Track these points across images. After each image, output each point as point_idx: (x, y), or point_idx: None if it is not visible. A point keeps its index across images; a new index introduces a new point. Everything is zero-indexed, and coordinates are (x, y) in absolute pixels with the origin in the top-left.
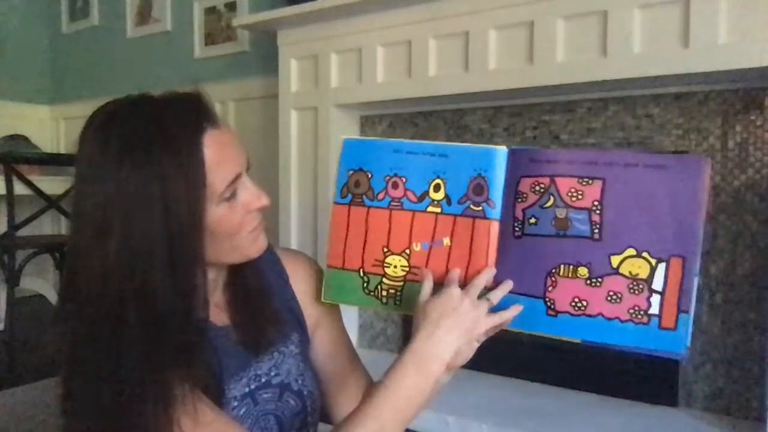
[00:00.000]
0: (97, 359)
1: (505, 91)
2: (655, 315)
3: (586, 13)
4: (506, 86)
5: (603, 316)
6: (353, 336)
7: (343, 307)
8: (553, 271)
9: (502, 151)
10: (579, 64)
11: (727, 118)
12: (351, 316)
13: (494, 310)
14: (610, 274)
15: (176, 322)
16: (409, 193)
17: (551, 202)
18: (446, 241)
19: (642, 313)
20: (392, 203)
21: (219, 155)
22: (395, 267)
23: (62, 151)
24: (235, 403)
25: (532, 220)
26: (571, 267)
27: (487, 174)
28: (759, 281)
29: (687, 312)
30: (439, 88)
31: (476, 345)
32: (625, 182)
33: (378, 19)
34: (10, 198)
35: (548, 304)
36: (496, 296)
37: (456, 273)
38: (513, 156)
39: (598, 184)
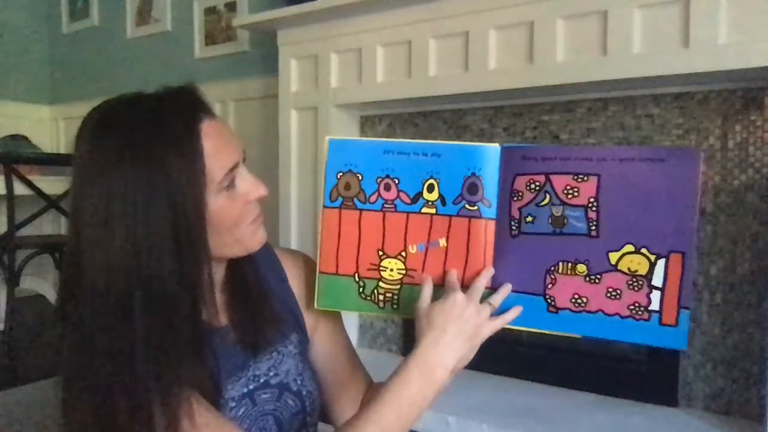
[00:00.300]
0: (102, 356)
1: (505, 91)
2: (655, 311)
3: (586, 13)
4: (506, 86)
5: (603, 312)
6: (353, 336)
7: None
8: (552, 268)
9: (494, 148)
10: (579, 64)
11: (727, 118)
12: (351, 317)
13: (497, 313)
14: (608, 271)
15: (184, 314)
16: (402, 195)
17: (547, 200)
18: (442, 242)
19: (642, 309)
20: (385, 205)
21: (217, 144)
22: (391, 270)
23: (62, 151)
24: (233, 404)
25: (529, 219)
26: (570, 264)
27: (481, 173)
28: (759, 281)
29: (688, 308)
30: (439, 88)
31: (477, 347)
32: (620, 178)
33: (378, 19)
34: (10, 198)
35: (549, 301)
36: (497, 300)
37: (455, 276)
38: (506, 154)
39: (593, 180)
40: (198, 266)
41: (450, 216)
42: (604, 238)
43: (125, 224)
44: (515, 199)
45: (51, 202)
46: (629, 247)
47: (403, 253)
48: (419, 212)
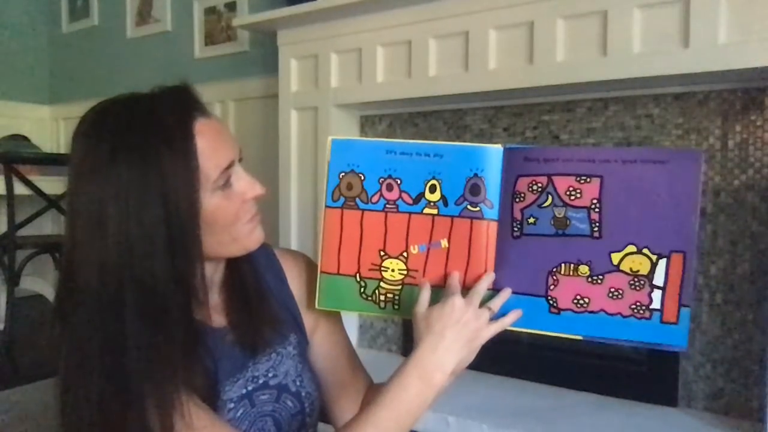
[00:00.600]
0: (96, 356)
1: (505, 91)
2: (656, 310)
3: (586, 13)
4: (506, 86)
5: (605, 312)
6: (353, 336)
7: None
8: (554, 269)
9: (497, 150)
10: (579, 64)
11: (727, 118)
12: (351, 317)
13: (499, 315)
14: (611, 272)
15: (176, 313)
16: (404, 195)
17: (549, 201)
18: (444, 242)
19: (644, 308)
20: (387, 206)
21: (211, 143)
22: (392, 271)
23: (62, 151)
24: (231, 405)
25: (531, 220)
26: (572, 265)
27: (483, 174)
28: (759, 281)
29: (688, 306)
30: (439, 88)
31: (477, 351)
32: (623, 179)
33: (378, 19)
34: (10, 198)
35: (550, 302)
36: (497, 304)
37: (456, 279)
38: (508, 155)
39: (596, 181)
40: (191, 266)
41: (452, 217)
42: (606, 239)
43: (118, 223)
44: (517, 200)
45: (51, 202)
46: (631, 248)
47: (405, 254)
48: (421, 213)
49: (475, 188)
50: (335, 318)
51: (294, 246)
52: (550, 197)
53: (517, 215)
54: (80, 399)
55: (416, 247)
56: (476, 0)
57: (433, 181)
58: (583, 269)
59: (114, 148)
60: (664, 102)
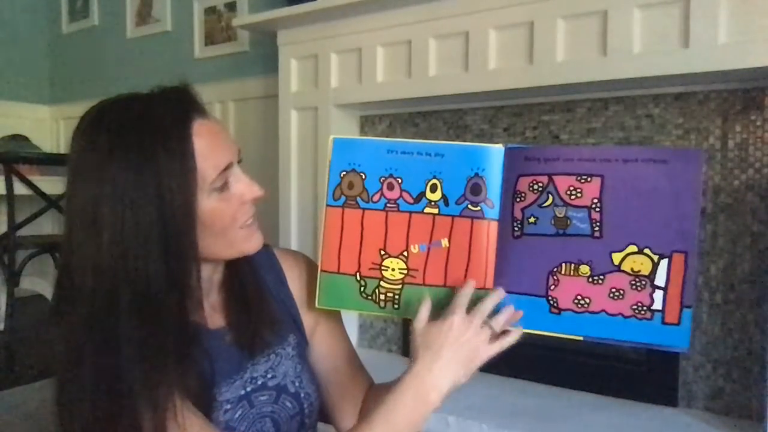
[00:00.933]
0: (90, 356)
1: (505, 91)
2: (658, 310)
3: (586, 13)
4: (506, 86)
5: (606, 312)
6: (353, 336)
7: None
8: (555, 269)
9: (498, 149)
10: (579, 64)
11: (727, 118)
12: (351, 317)
13: (495, 313)
14: (611, 272)
15: (171, 315)
16: (405, 194)
17: (550, 201)
18: (444, 242)
19: (645, 308)
20: (388, 205)
21: (209, 144)
22: (393, 270)
23: (62, 151)
24: (228, 406)
25: (532, 220)
26: (573, 265)
27: (484, 173)
28: (759, 281)
29: (690, 306)
30: (439, 88)
31: (475, 369)
32: (623, 178)
33: (378, 19)
34: (10, 198)
35: (551, 302)
36: (499, 323)
37: (464, 298)
38: (510, 154)
39: (596, 181)
40: (186, 267)
41: (452, 216)
42: (607, 238)
43: (113, 223)
44: (518, 200)
45: (51, 202)
46: (632, 248)
47: (405, 253)
48: (422, 212)
49: (476, 188)
50: (335, 319)
51: (294, 246)
52: (550, 197)
53: (518, 215)
54: (74, 399)
55: (417, 246)
56: (476, 0)
57: (434, 181)
58: (584, 269)
59: (111, 147)
60: (664, 102)
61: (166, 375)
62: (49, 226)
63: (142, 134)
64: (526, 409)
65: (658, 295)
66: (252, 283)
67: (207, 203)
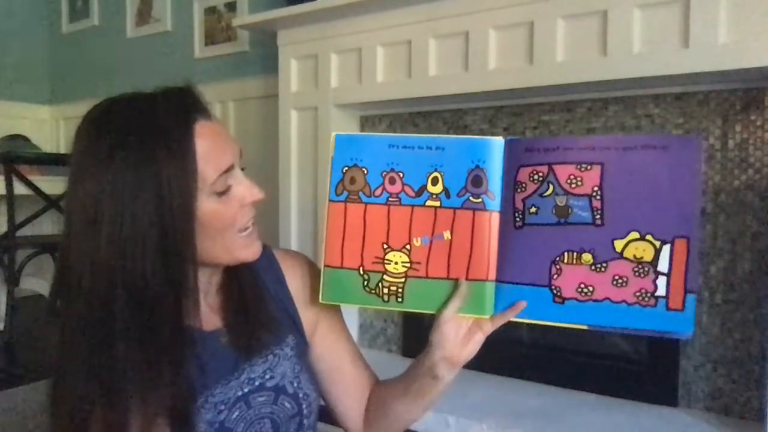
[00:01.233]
0: (85, 353)
1: (505, 91)
2: (662, 297)
3: (586, 13)
4: (506, 86)
5: (610, 300)
6: (353, 335)
7: (343, 306)
8: (557, 258)
9: (498, 141)
10: (579, 64)
11: (727, 118)
12: (351, 316)
13: (502, 306)
14: (614, 259)
15: (165, 316)
16: (406, 188)
17: (550, 190)
18: (447, 234)
19: (649, 295)
20: (390, 199)
21: (211, 145)
22: (396, 263)
23: (62, 151)
24: (223, 407)
25: (533, 210)
26: (575, 254)
27: (485, 165)
28: (759, 281)
29: (693, 292)
30: (439, 88)
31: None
32: (623, 166)
33: (378, 19)
34: (10, 198)
35: (554, 291)
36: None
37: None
38: (509, 146)
39: (596, 169)
40: (183, 268)
41: (454, 209)
42: (608, 226)
43: (112, 221)
44: (519, 190)
45: (51, 202)
46: (634, 234)
47: (408, 246)
48: (424, 205)
49: (476, 180)
50: (336, 317)
51: (294, 245)
52: (551, 186)
53: (519, 205)
54: (67, 396)
55: (419, 239)
56: (476, 0)
57: (435, 174)
58: (587, 257)
59: (113, 146)
60: (664, 102)
61: (160, 376)
62: (49, 226)
63: (143, 134)
64: (526, 409)
65: (662, 281)
66: (251, 285)
67: (207, 205)
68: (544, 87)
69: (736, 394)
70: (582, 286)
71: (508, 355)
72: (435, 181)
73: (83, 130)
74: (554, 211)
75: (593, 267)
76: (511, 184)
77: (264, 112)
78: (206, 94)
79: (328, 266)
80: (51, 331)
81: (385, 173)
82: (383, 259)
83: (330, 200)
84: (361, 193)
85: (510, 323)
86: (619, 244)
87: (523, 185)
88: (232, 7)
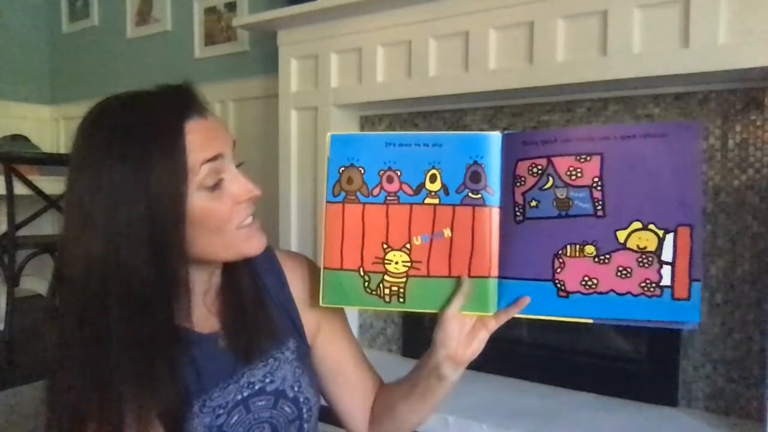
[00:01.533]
0: (79, 350)
1: (505, 91)
2: (667, 286)
3: (586, 13)
4: (506, 86)
5: (614, 292)
6: None
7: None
8: (560, 252)
9: (496, 136)
10: (579, 64)
11: (727, 118)
12: (351, 317)
13: (506, 302)
14: (617, 250)
15: (157, 316)
16: (405, 186)
17: (550, 183)
18: (447, 232)
19: (654, 285)
20: (388, 198)
21: (200, 139)
22: (396, 263)
23: (62, 151)
24: (221, 411)
25: (533, 204)
26: (578, 246)
27: (483, 160)
28: (759, 281)
29: (699, 280)
30: (439, 88)
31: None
32: (623, 155)
33: (378, 19)
34: (10, 198)
35: (558, 285)
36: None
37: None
38: (507, 140)
39: (596, 159)
40: (174, 267)
41: (453, 205)
42: (610, 217)
43: (105, 217)
44: (518, 184)
45: (51, 202)
46: (637, 224)
47: (408, 245)
48: (422, 203)
49: (475, 175)
50: (339, 319)
51: (294, 245)
52: (550, 179)
53: (519, 200)
54: (62, 391)
55: (419, 238)
56: (476, 0)
57: (433, 171)
58: (589, 249)
59: (108, 143)
60: (664, 102)
61: (151, 376)
62: (49, 226)
63: (137, 131)
64: (526, 409)
65: (666, 270)
66: (249, 288)
67: (198, 202)
68: (544, 87)
69: (736, 394)
70: (586, 278)
71: (508, 355)
72: (433, 179)
73: (81, 128)
74: (555, 204)
75: (596, 259)
76: (510, 179)
77: (264, 112)
78: (206, 95)
79: (327, 268)
80: (50, 331)
81: (382, 172)
82: (383, 259)
83: (327, 201)
84: (358, 193)
85: (512, 320)
86: (621, 235)
87: (523, 179)
88: (232, 7)
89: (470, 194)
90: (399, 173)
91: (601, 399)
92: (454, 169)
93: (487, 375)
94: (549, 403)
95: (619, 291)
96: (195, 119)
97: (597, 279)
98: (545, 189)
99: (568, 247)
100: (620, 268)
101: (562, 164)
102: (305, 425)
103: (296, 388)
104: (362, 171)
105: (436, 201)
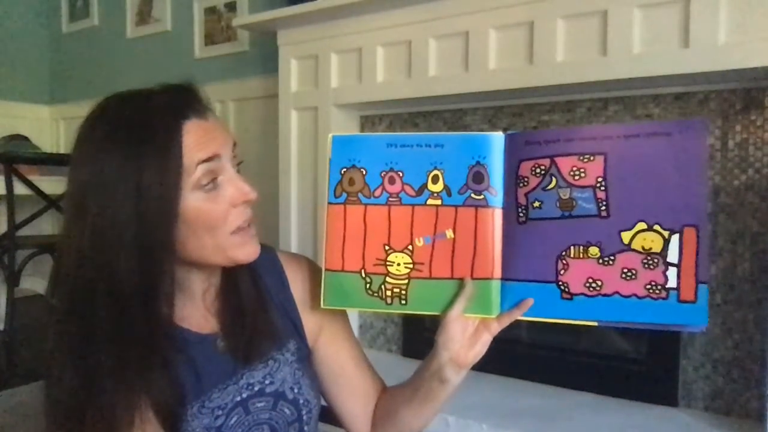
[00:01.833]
0: (68, 344)
1: (505, 91)
2: (673, 288)
3: (586, 13)
4: (506, 86)
5: (619, 294)
6: None
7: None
8: (564, 253)
9: (498, 136)
10: (579, 64)
11: (727, 118)
12: (351, 317)
13: (509, 305)
14: (622, 251)
15: (139, 313)
16: (407, 187)
17: (553, 183)
18: (449, 233)
19: (659, 287)
20: (390, 199)
21: (197, 139)
22: (398, 265)
23: (62, 151)
24: (220, 412)
25: (536, 204)
26: (582, 247)
27: (485, 161)
28: (759, 281)
29: (705, 282)
30: (439, 88)
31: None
32: (627, 155)
33: (378, 19)
34: (10, 198)
35: (562, 287)
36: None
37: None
38: (510, 140)
39: (599, 159)
40: (159, 266)
41: (456, 206)
42: (615, 217)
43: (96, 213)
44: (521, 185)
45: (51, 202)
46: (642, 225)
47: (410, 247)
48: (425, 204)
49: (477, 176)
50: (341, 321)
51: (294, 246)
52: (554, 179)
53: (522, 200)
54: (55, 386)
55: (421, 239)
56: (476, 0)
57: (436, 172)
58: (593, 251)
59: (105, 139)
60: (664, 102)
61: (139, 375)
62: (49, 226)
63: (134, 128)
64: (526, 409)
65: (672, 272)
66: (251, 289)
67: (192, 201)
68: (544, 87)
69: (736, 394)
70: (590, 280)
71: (508, 355)
72: (435, 179)
73: (83, 125)
74: (558, 205)
75: (601, 260)
76: (513, 179)
77: (264, 112)
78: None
79: (328, 270)
80: (48, 329)
81: (384, 173)
82: (385, 260)
83: (329, 202)
84: (360, 194)
85: (513, 321)
86: (626, 236)
87: (525, 179)
88: (232, 7)
89: (473, 195)
90: (401, 174)
91: (601, 399)
92: (456, 169)
93: (487, 375)
94: (549, 403)
95: (624, 293)
96: (194, 119)
97: (601, 281)
98: (548, 189)
99: (572, 248)
100: (625, 270)
101: (565, 164)
102: (305, 427)
103: (296, 390)
104: (364, 172)
105: (439, 202)
